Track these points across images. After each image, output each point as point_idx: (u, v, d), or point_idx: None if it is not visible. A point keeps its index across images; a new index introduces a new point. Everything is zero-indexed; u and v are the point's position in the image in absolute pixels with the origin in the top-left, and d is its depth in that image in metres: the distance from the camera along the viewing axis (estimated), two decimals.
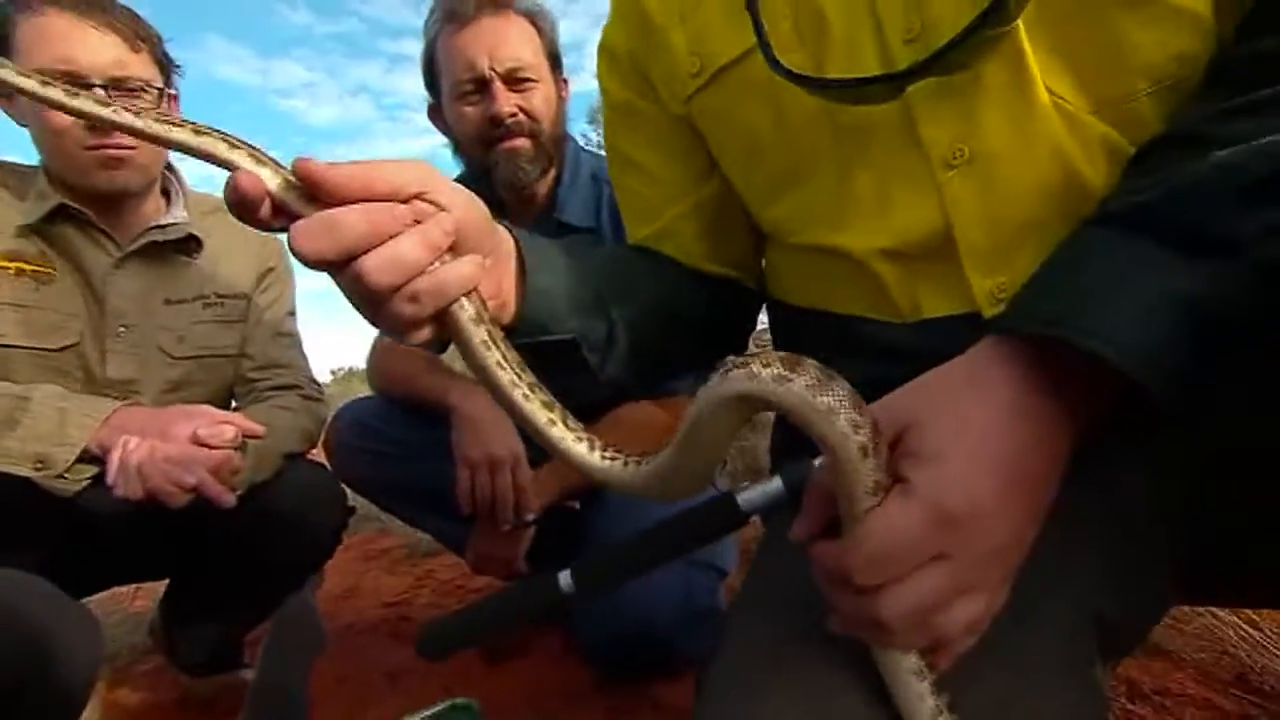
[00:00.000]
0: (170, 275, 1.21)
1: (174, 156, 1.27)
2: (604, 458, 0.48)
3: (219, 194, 1.40)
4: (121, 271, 1.15)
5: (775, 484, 0.55)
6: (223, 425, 0.98)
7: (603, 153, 1.50)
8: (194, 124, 0.45)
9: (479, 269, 0.47)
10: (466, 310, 0.46)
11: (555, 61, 1.33)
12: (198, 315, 1.23)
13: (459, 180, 1.33)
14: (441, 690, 1.31)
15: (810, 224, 0.63)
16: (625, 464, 0.48)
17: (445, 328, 0.47)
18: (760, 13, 0.56)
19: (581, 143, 1.44)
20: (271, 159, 0.44)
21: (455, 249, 0.45)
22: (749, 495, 0.55)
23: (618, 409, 1.32)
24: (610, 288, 0.66)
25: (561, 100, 1.32)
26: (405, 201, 0.43)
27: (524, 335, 0.59)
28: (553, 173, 1.32)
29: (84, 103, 0.45)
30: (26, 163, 1.13)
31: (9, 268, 1.05)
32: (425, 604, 1.83)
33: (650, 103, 0.74)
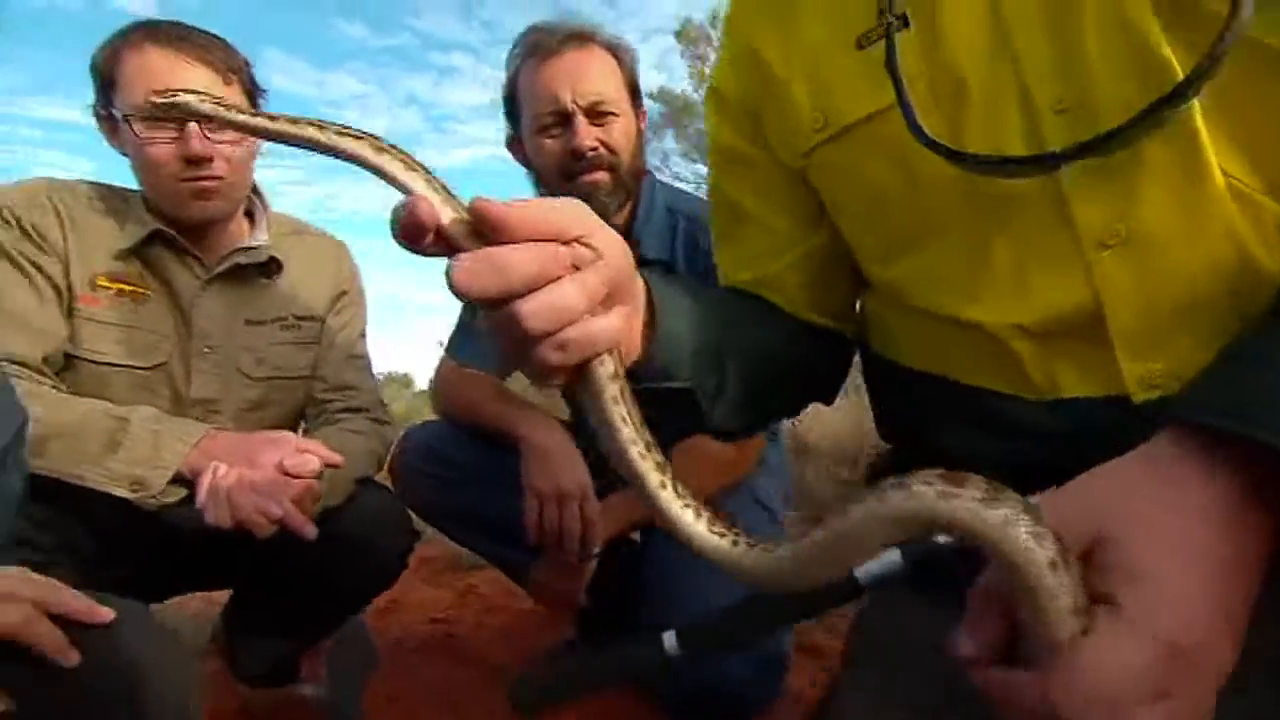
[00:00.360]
0: (251, 296, 1.24)
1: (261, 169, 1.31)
2: (712, 532, 0.46)
3: (295, 216, 1.45)
4: (207, 293, 1.19)
5: (894, 556, 0.54)
6: (306, 455, 1.00)
7: (676, 184, 1.51)
8: (374, 139, 0.44)
9: (626, 323, 0.46)
10: (606, 366, 0.45)
11: (635, 93, 1.34)
12: (276, 337, 1.26)
13: None
14: (492, 714, 1.31)
15: (935, 290, 0.62)
16: (735, 543, 0.46)
17: (579, 375, 0.45)
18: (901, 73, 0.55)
19: None
20: (441, 184, 0.43)
21: (606, 298, 0.44)
22: (867, 567, 0.55)
23: (688, 439, 1.31)
24: (724, 336, 0.66)
25: (640, 132, 1.34)
26: (566, 244, 0.41)
27: (646, 379, 0.57)
28: (629, 205, 1.33)
29: (265, 122, 0.46)
30: (129, 187, 1.17)
31: (110, 288, 1.09)
32: (472, 622, 1.84)
33: (760, 149, 0.73)
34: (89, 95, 1.12)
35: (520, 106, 1.32)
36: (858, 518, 0.37)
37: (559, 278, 0.40)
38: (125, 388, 1.09)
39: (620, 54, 1.32)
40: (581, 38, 1.28)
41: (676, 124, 6.33)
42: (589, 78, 1.25)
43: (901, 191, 0.61)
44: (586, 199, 1.32)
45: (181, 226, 1.15)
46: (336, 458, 1.03)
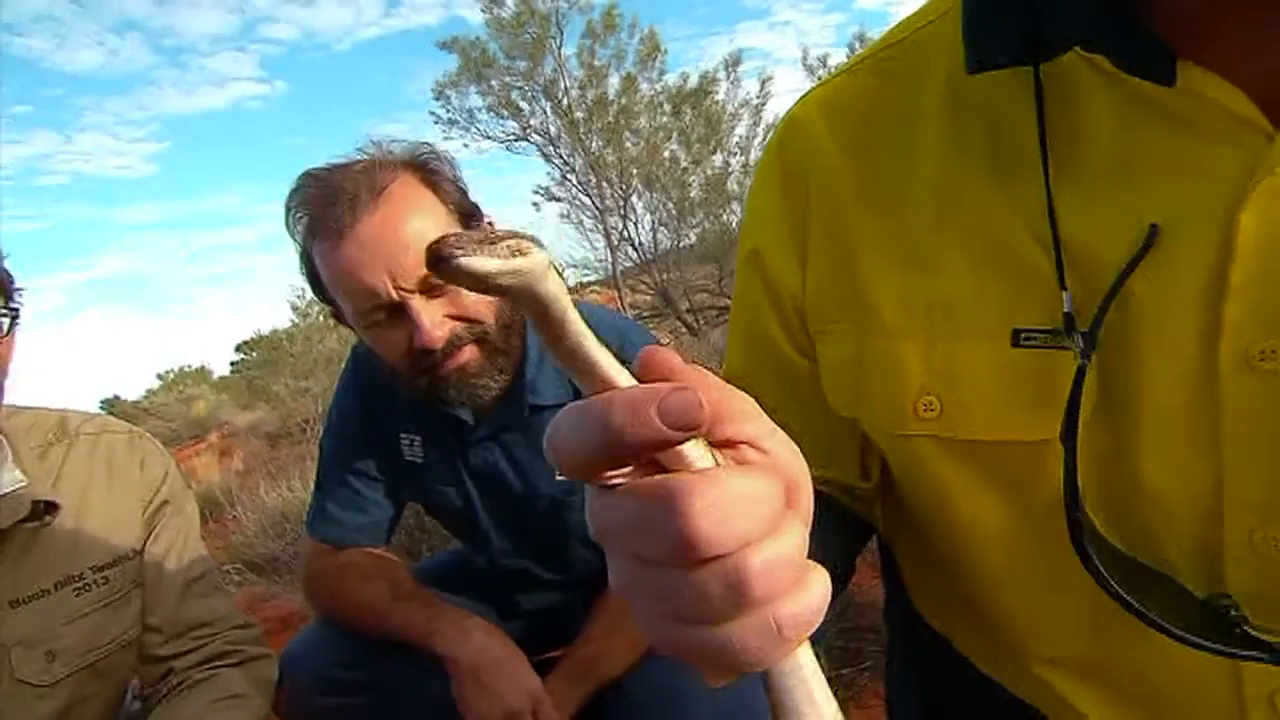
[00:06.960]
0: (14, 562, 0.89)
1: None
2: None
3: (46, 406, 1.04)
4: None
5: None
6: None
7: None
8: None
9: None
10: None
11: (471, 214, 1.04)
12: (70, 607, 0.92)
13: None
14: None
15: (993, 663, 0.53)
16: None
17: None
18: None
19: None
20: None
21: None
22: None
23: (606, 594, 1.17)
24: None
25: None
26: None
27: None
28: (513, 362, 1.08)
29: None
30: None
31: None
32: None
33: (809, 361, 0.56)
34: None
35: (329, 293, 1.00)
36: None
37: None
38: None
39: (434, 172, 1.00)
40: (374, 189, 0.93)
41: (477, 77, 5.61)
42: (406, 249, 0.91)
43: (1006, 550, 0.49)
44: (459, 388, 1.03)
45: None
46: None
